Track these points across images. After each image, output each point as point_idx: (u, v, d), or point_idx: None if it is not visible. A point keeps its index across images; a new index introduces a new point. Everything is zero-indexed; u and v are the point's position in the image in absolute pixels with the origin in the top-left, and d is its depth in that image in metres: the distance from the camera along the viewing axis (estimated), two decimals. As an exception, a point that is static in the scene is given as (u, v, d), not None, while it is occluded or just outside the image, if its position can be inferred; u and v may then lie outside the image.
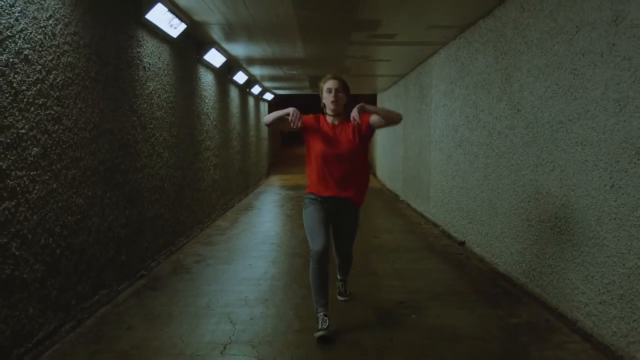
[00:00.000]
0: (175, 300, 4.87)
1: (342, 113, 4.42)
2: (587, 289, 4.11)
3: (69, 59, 4.24)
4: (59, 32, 4.07)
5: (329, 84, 4.38)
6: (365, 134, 4.35)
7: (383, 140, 17.23)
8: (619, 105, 3.70)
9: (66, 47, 4.19)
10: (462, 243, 7.38)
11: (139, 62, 5.79)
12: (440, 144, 8.83)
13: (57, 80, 4.05)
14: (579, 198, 4.25)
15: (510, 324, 4.38)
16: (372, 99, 20.19)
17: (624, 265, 3.65)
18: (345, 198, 4.35)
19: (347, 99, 4.43)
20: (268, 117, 4.34)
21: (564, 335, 4.12)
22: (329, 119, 4.44)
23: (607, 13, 3.85)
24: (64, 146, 4.14)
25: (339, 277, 4.98)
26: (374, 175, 19.20)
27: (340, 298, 4.95)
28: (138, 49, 5.77)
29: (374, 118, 4.31)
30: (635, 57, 3.54)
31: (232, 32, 7.85)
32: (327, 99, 4.37)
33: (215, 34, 7.93)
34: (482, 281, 5.64)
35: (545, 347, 3.89)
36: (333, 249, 4.60)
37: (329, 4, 6.26)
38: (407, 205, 11.80)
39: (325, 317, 4.06)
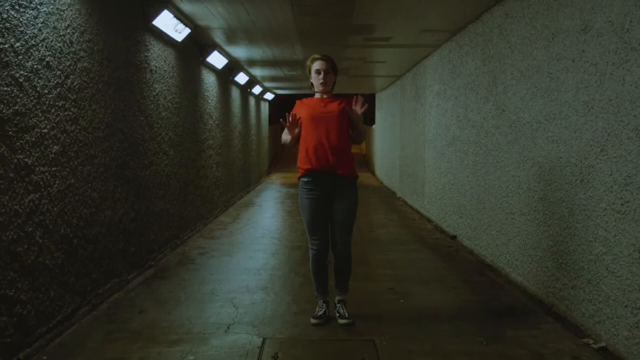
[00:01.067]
0: (182, 288, 5.24)
1: (330, 91, 4.51)
2: (562, 275, 4.48)
3: (85, 64, 4.60)
4: (75, 39, 4.43)
5: (317, 65, 4.40)
6: (346, 117, 4.39)
7: (381, 140, 17.62)
8: (587, 106, 4.07)
9: (82, 54, 4.56)
10: (454, 237, 7.75)
11: (146, 65, 6.16)
12: (434, 142, 9.20)
13: (75, 84, 4.41)
14: (554, 192, 4.61)
15: (491, 307, 4.77)
16: (370, 98, 20.58)
17: (591, 252, 4.02)
18: (339, 173, 4.30)
19: (335, 78, 4.50)
20: (284, 140, 4.47)
21: (539, 317, 4.49)
22: (317, 95, 4.52)
23: (578, 22, 4.22)
24: (80, 144, 4.51)
25: (336, 298, 4.48)
26: (373, 173, 19.58)
27: (341, 321, 4.32)
28: (146, 54, 6.14)
29: (353, 118, 4.39)
30: (601, 63, 3.90)
31: (233, 36, 8.22)
32: (316, 79, 4.43)
33: (218, 37, 8.30)
34: (469, 271, 6.00)
35: (520, 327, 4.26)
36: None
37: (326, 10, 6.63)
38: (403, 202, 12.17)
39: (324, 304, 4.41)
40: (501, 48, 5.94)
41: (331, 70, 4.45)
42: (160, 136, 6.63)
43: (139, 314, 4.51)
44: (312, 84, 4.53)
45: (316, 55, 4.48)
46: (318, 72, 4.41)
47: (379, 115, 18.81)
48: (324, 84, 4.41)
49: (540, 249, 4.90)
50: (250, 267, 6.05)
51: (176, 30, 6.84)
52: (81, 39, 4.54)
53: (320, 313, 4.36)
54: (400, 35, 8.07)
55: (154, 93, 6.41)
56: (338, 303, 4.45)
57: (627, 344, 3.58)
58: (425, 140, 9.94)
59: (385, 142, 16.52)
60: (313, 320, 4.31)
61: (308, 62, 4.52)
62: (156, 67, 6.51)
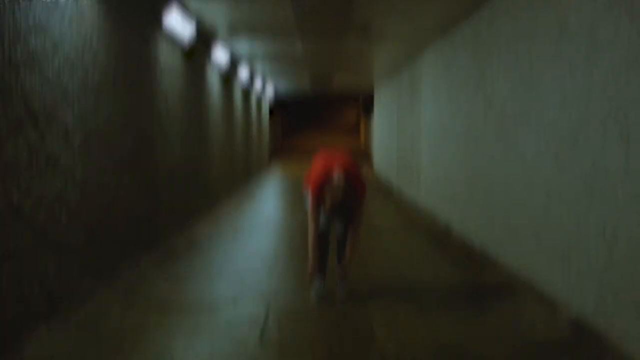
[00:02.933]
0: (191, 268, 5.67)
1: None
2: (539, 251, 4.90)
3: (103, 62, 5.01)
4: (95, 39, 4.84)
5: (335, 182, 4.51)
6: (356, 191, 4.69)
7: (379, 133, 18.04)
8: (563, 100, 4.48)
9: (101, 53, 4.96)
10: (447, 225, 8.17)
11: (156, 63, 6.56)
12: (429, 135, 9.61)
13: (94, 80, 4.82)
14: (534, 179, 5.03)
15: (476, 283, 5.21)
16: (369, 98, 20.96)
17: (564, 230, 4.43)
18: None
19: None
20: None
21: (520, 292, 4.92)
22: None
23: (554, 22, 4.63)
24: (99, 136, 4.91)
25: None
26: (371, 166, 20.00)
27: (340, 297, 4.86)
28: (156, 51, 6.54)
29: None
30: (573, 61, 4.31)
31: (236, 33, 8.62)
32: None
33: (221, 34, 8.70)
34: (458, 254, 6.43)
35: (501, 299, 4.69)
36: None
37: (325, 9, 7.02)
38: (400, 192, 12.58)
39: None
40: (489, 45, 6.34)
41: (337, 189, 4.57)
42: (168, 130, 7.04)
43: (153, 288, 4.93)
44: None
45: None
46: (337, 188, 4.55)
47: (377, 108, 19.23)
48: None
49: (522, 231, 5.32)
50: (254, 250, 6.48)
51: (183, 29, 7.23)
52: (100, 39, 4.94)
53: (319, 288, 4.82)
54: (395, 32, 8.47)
55: (163, 89, 6.81)
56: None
57: (594, 314, 4.00)
58: (421, 133, 10.35)
59: (383, 136, 16.95)
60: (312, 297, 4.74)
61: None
62: (165, 64, 6.91)
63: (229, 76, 11.29)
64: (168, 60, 7.05)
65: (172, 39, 7.19)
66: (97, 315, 4.29)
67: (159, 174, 6.63)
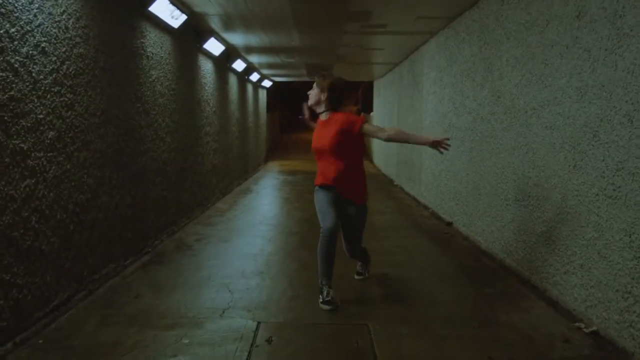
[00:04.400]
0: (179, 273, 5.28)
1: (329, 109, 4.61)
2: (554, 261, 4.52)
3: (80, 50, 4.61)
4: (71, 25, 4.44)
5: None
6: (351, 134, 4.47)
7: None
8: (580, 92, 4.09)
9: (77, 40, 4.56)
10: (450, 224, 7.79)
11: (142, 52, 6.16)
12: (431, 129, 9.21)
13: (70, 70, 4.42)
14: (548, 178, 4.64)
15: (484, 292, 4.80)
16: (369, 86, 20.58)
17: (583, 237, 4.05)
18: (346, 197, 4.56)
19: (325, 96, 4.58)
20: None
21: (531, 302, 4.53)
22: (322, 116, 4.70)
23: (572, 8, 4.23)
24: (76, 130, 4.52)
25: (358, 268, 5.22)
26: (371, 161, 19.61)
27: (356, 277, 5.15)
28: (142, 40, 6.14)
29: (369, 128, 4.49)
30: (594, 49, 3.92)
31: (230, 22, 8.21)
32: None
33: (214, 24, 8.29)
34: (464, 257, 6.05)
35: (513, 311, 4.30)
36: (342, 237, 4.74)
37: (322, -3, 6.63)
38: (400, 189, 12.20)
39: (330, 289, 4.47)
40: (497, 35, 5.95)
41: (316, 88, 4.65)
42: (156, 123, 6.64)
43: (135, 299, 4.54)
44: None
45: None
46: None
47: (377, 102, 18.82)
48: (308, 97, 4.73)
49: (534, 235, 4.94)
50: (247, 253, 6.09)
51: (172, 17, 6.83)
52: (77, 25, 4.55)
53: (328, 298, 4.44)
54: (396, 22, 8.07)
55: (150, 79, 6.41)
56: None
57: (618, 328, 3.63)
58: (423, 128, 9.95)
59: (383, 130, 16.52)
60: (323, 306, 4.37)
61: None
62: (152, 54, 6.51)
63: (223, 69, 10.88)
64: (156, 50, 6.64)
65: (162, 28, 6.78)
66: (70, 329, 3.91)
67: (146, 170, 6.24)
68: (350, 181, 4.56)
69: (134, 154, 5.87)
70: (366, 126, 4.46)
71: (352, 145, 4.53)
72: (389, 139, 4.47)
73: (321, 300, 4.35)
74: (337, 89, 4.60)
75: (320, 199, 4.54)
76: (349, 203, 4.58)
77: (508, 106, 5.59)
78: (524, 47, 5.20)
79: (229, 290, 4.73)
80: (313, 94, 4.65)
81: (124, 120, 5.60)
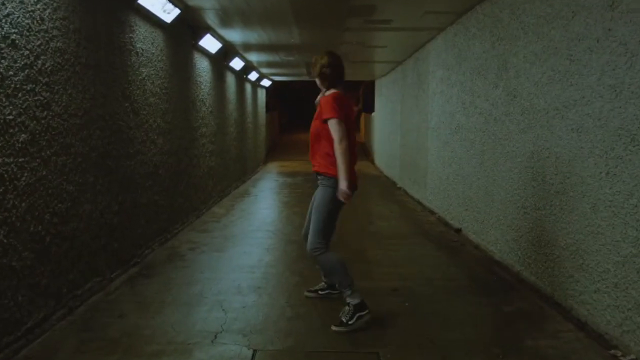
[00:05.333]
0: (168, 288, 4.84)
1: (323, 90, 4.42)
2: (582, 277, 4.08)
3: (58, 44, 4.17)
4: (47, 16, 4.00)
5: None
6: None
7: (381, 127, 17.20)
8: (615, 91, 3.66)
9: (55, 32, 4.12)
10: (459, 230, 7.36)
11: (131, 47, 5.72)
12: (437, 130, 8.78)
13: (46, 66, 3.99)
14: (574, 186, 4.21)
15: (503, 311, 4.36)
16: (370, 85, 20.16)
17: (618, 253, 3.62)
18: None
19: (319, 82, 4.41)
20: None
21: (558, 324, 4.09)
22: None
23: (604, -3, 3.80)
24: (53, 132, 4.09)
25: (323, 282, 4.66)
26: (372, 162, 19.18)
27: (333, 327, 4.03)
28: (130, 34, 5.70)
29: (331, 127, 4.13)
30: (631, 42, 3.49)
31: (227, 18, 7.78)
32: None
33: (210, 19, 7.86)
34: (476, 268, 5.61)
35: (539, 335, 3.86)
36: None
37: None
38: (404, 192, 11.77)
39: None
40: (513, 29, 5.51)
41: (313, 67, 4.46)
42: (147, 123, 6.20)
43: (119, 319, 4.10)
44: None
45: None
46: None
47: (378, 102, 18.38)
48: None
49: (557, 247, 4.50)
50: (243, 264, 5.65)
51: (164, 11, 6.39)
52: (54, 16, 4.11)
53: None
54: (402, 18, 7.63)
55: (140, 77, 5.98)
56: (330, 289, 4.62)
57: (661, 358, 3.20)
58: (428, 128, 9.52)
59: (385, 130, 16.10)
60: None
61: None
62: (143, 50, 6.08)
63: (220, 67, 10.45)
64: (147, 46, 6.21)
65: (153, 22, 6.35)
66: (42, 356, 3.47)
67: (135, 174, 5.81)
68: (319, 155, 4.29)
69: (121, 157, 5.43)
70: (331, 123, 4.10)
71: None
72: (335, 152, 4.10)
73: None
74: (326, 73, 4.36)
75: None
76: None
77: (526, 106, 5.16)
78: (544, 41, 4.77)
79: (223, 309, 4.29)
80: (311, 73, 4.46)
81: (110, 121, 5.17)
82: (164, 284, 4.97)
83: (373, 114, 20.37)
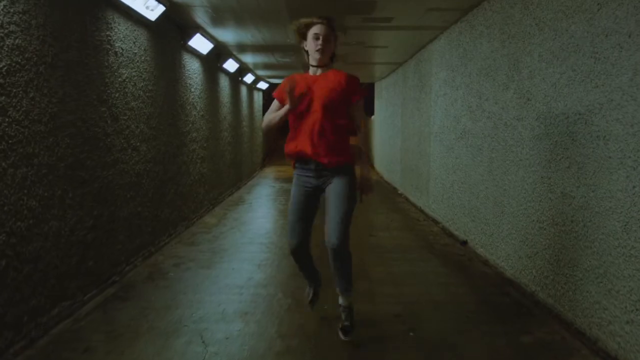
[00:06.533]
0: (145, 314, 4.33)
1: (328, 64, 3.81)
2: (610, 304, 3.59)
3: (17, 41, 3.68)
4: (1, 10, 3.51)
5: (316, 29, 3.69)
6: (349, 99, 3.78)
7: (381, 131, 16.70)
8: (653, 93, 3.17)
9: (12, 28, 3.63)
10: (464, 243, 6.86)
11: (109, 46, 5.23)
12: (441, 135, 8.29)
13: (1, 66, 3.50)
14: (600, 200, 3.72)
15: (523, 343, 3.86)
16: (369, 87, 19.67)
17: (657, 280, 3.13)
18: (324, 163, 3.74)
19: (334, 48, 3.82)
20: (270, 120, 3.88)
21: (584, 358, 3.59)
22: (311, 70, 3.84)
23: (638, -15, 3.31)
24: (10, 141, 3.60)
25: (340, 301, 3.98)
26: (372, 166, 18.69)
27: (344, 337, 3.82)
28: (108, 32, 5.22)
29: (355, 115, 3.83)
30: (674, 36, 3.00)
31: (217, 16, 7.29)
32: (313, 46, 3.70)
33: (200, 17, 7.37)
34: (487, 288, 5.12)
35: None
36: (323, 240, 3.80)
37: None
38: (405, 199, 11.27)
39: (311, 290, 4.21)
40: (525, 26, 5.03)
41: (332, 38, 3.73)
42: (128, 129, 5.71)
43: (83, 355, 3.60)
44: (306, 52, 3.80)
45: (315, 18, 3.71)
46: (317, 36, 3.68)
47: (378, 105, 17.88)
48: (321, 50, 3.69)
49: (579, 268, 4.01)
50: (231, 284, 5.15)
51: (147, 7, 5.90)
52: (10, 10, 3.62)
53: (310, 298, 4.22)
54: (404, 15, 7.14)
55: (119, 79, 5.48)
56: (344, 310, 3.96)
57: None
58: (430, 133, 9.03)
59: (385, 134, 15.59)
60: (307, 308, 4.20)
61: (302, 25, 3.75)
62: (123, 50, 5.59)
63: (212, 69, 9.95)
64: (128, 45, 5.72)
65: (135, 20, 5.86)
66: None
67: (113, 184, 5.31)
68: (336, 143, 3.86)
69: (97, 167, 4.94)
70: (360, 103, 3.85)
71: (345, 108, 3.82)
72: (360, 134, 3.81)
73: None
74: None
75: (293, 201, 3.97)
76: (328, 175, 3.91)
77: (542, 110, 4.67)
78: (564, 38, 4.28)
79: (203, 341, 3.78)
80: (328, 47, 3.79)
81: (83, 127, 4.67)
82: (141, 308, 4.47)
83: (372, 117, 19.88)
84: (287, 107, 3.69)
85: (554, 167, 4.43)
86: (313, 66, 3.80)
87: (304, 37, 3.77)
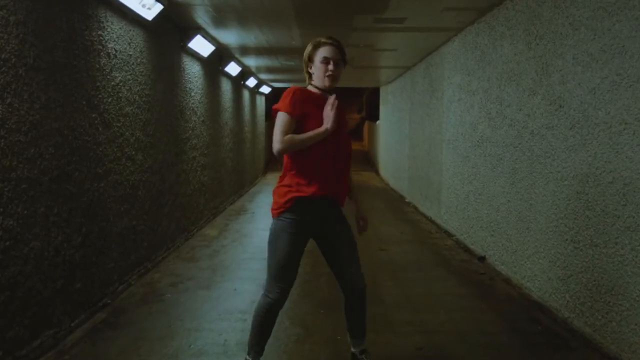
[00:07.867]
0: (137, 346, 3.87)
1: (326, 90, 3.35)
2: (667, 341, 3.14)
3: (-8, 40, 3.25)
4: (-28, 3, 3.08)
5: (325, 52, 3.26)
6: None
7: (386, 137, 16.26)
8: None
9: (-14, 25, 3.20)
10: (482, 258, 6.40)
11: (100, 47, 4.79)
12: (455, 142, 7.84)
13: (-29, 67, 3.07)
14: (654, 221, 3.27)
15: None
16: (373, 92, 19.31)
17: None
18: (340, 202, 3.38)
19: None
20: (296, 144, 3.17)
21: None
22: (311, 89, 3.37)
23: None
24: (-17, 153, 3.16)
25: (358, 349, 3.48)
26: (377, 173, 18.25)
27: None
28: (99, 32, 4.78)
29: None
30: None
31: (219, 17, 6.86)
32: (322, 71, 3.25)
33: (200, 18, 6.94)
34: (515, 314, 4.66)
35: None
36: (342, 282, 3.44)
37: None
38: (414, 208, 10.81)
39: None
40: (557, 26, 4.58)
41: (342, 64, 3.32)
42: (122, 137, 5.27)
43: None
44: (310, 74, 3.35)
45: (324, 39, 3.30)
46: (326, 60, 3.23)
47: (383, 110, 17.43)
48: (332, 77, 3.25)
49: (625, 297, 3.56)
50: (232, 309, 4.70)
51: (143, 6, 5.47)
52: (-16, 4, 3.19)
53: None
54: (418, 15, 6.69)
55: (112, 83, 5.05)
56: (362, 355, 3.44)
57: None
58: (443, 140, 8.58)
59: (391, 140, 15.14)
60: None
61: (309, 48, 3.33)
62: (116, 51, 5.15)
63: (214, 72, 9.52)
64: (122, 46, 5.28)
65: (130, 19, 5.42)
66: None
67: (106, 197, 4.87)
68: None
69: (86, 180, 4.49)
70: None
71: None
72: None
73: None
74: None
75: (286, 242, 3.42)
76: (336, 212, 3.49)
77: (577, 119, 4.22)
78: (605, 39, 3.83)
79: (201, 382, 3.34)
80: (339, 71, 3.37)
81: (71, 136, 4.23)
82: (132, 338, 4.01)
83: (378, 122, 19.44)
84: (325, 128, 3.16)
85: (592, 181, 3.98)
86: (317, 88, 3.34)
87: (310, 59, 3.32)
